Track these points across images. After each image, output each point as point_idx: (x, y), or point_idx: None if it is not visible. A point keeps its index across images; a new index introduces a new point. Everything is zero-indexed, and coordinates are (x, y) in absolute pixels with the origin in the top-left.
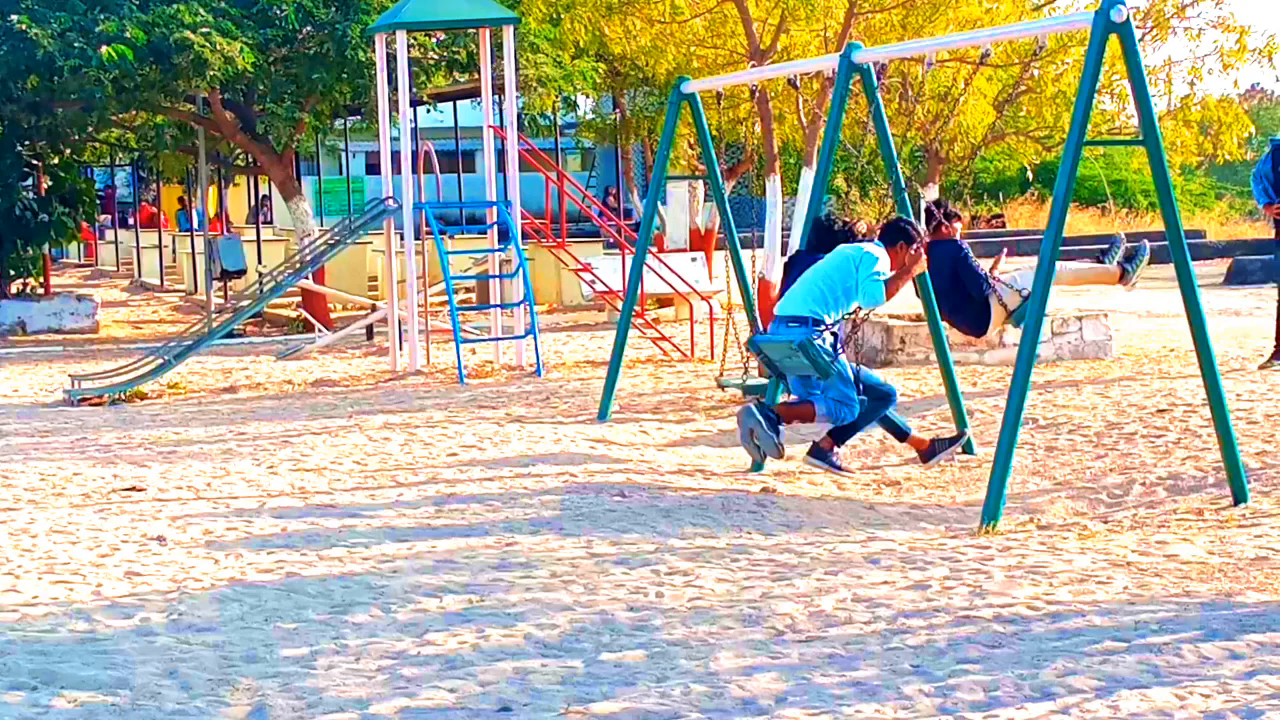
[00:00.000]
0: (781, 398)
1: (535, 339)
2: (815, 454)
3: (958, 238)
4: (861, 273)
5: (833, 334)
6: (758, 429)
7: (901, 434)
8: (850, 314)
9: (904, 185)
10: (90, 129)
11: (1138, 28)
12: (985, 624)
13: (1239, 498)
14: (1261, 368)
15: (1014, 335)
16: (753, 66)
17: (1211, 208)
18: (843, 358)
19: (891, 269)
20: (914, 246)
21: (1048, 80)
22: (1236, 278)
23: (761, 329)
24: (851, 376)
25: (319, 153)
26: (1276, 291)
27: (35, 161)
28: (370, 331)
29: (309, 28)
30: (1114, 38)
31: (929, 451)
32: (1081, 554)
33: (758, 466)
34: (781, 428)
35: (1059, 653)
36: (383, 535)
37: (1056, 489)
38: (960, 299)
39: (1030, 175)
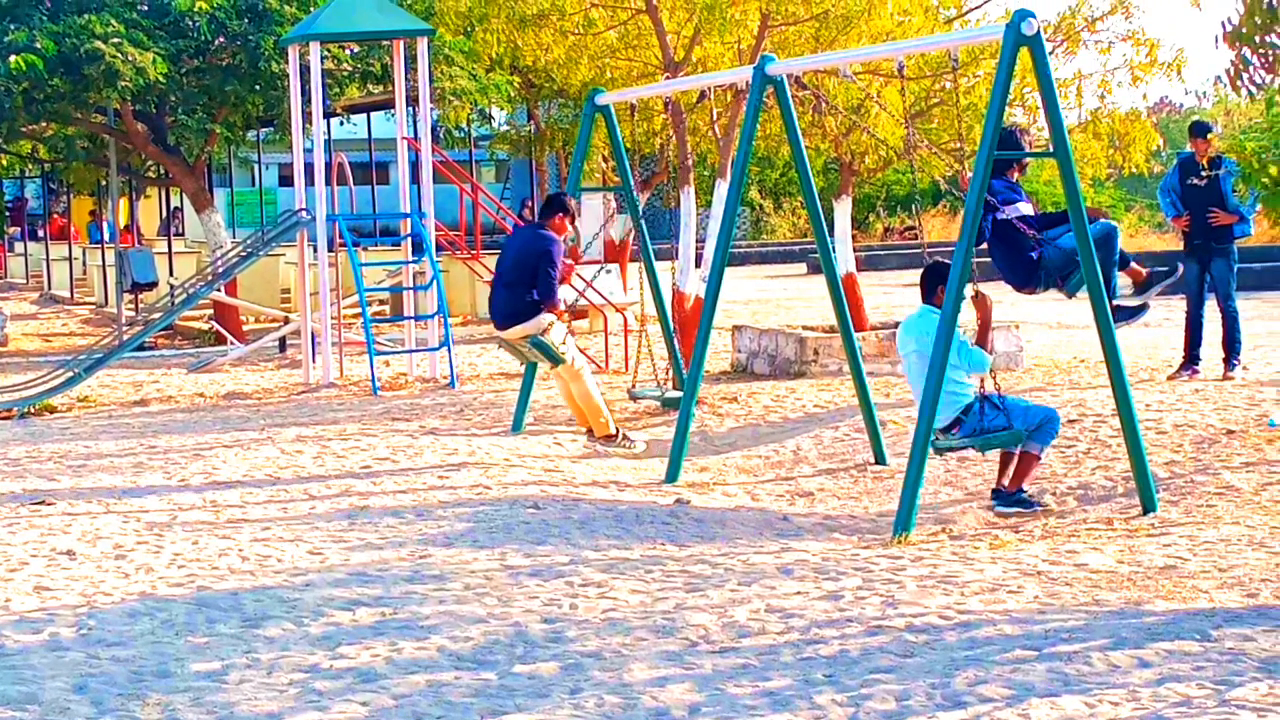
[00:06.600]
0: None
1: (449, 351)
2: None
3: (559, 237)
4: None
5: (980, 398)
6: (1019, 512)
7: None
8: (983, 375)
9: (817, 197)
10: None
11: (1048, 41)
12: (897, 634)
13: (1148, 507)
14: (1170, 378)
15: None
16: (667, 79)
17: (1121, 219)
18: (1010, 396)
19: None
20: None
21: (958, 93)
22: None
23: (677, 340)
24: (1026, 404)
25: (231, 164)
26: (1185, 303)
27: None
28: (283, 344)
29: (222, 39)
30: (1025, 50)
31: (1144, 284)
32: (993, 563)
33: (672, 477)
34: (1024, 494)
35: (970, 661)
36: (295, 548)
37: (968, 499)
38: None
39: (944, 186)
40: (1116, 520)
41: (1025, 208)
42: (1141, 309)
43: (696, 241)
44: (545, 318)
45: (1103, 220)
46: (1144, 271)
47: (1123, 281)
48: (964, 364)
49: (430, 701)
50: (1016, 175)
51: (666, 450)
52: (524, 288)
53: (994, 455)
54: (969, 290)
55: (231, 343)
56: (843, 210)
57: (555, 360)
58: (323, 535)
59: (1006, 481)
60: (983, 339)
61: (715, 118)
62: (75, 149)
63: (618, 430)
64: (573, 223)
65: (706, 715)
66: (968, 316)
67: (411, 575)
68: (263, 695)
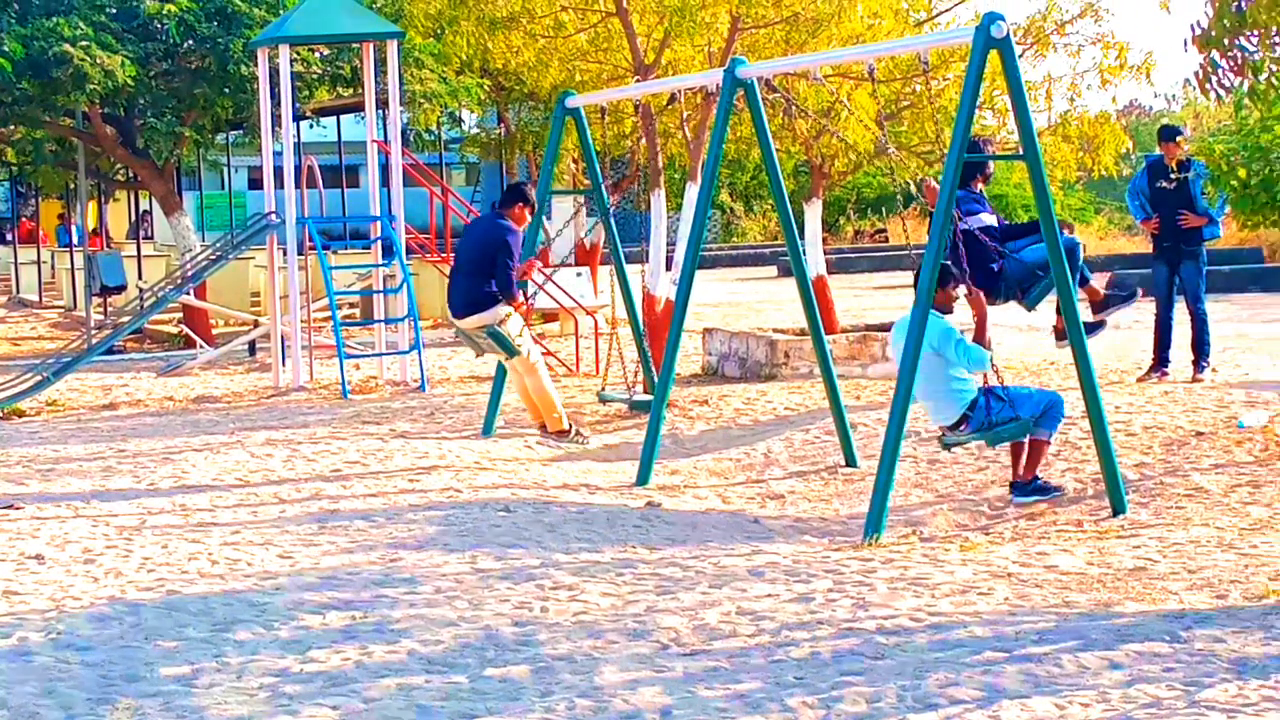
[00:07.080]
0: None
1: (419, 354)
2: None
3: (519, 227)
4: (943, 346)
5: (984, 392)
6: (1038, 502)
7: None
8: (984, 372)
9: (787, 200)
10: None
11: (1018, 44)
12: (868, 636)
13: (1118, 509)
14: (1140, 380)
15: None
16: (637, 81)
17: (1091, 222)
18: (1012, 384)
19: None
20: (951, 285)
21: (929, 95)
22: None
23: (648, 343)
24: (1029, 392)
25: (200, 167)
26: (1155, 305)
27: None
28: (253, 347)
29: (191, 42)
30: (995, 53)
31: (1101, 304)
32: (963, 565)
33: (643, 480)
34: (1040, 481)
35: (941, 664)
36: (265, 552)
37: (939, 501)
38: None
39: (914, 190)
40: (1086, 522)
41: (988, 219)
42: (1098, 326)
43: (667, 244)
44: (502, 309)
45: (1066, 235)
46: (1102, 293)
47: (1081, 296)
48: (963, 361)
49: (401, 705)
50: (980, 186)
51: (637, 453)
52: (482, 277)
53: (965, 458)
54: (962, 290)
55: (201, 346)
56: (813, 213)
57: (510, 352)
58: (293, 539)
59: (1022, 472)
60: (980, 335)
61: (685, 120)
62: (44, 152)
63: (571, 425)
64: (533, 213)
65: (677, 718)
66: (963, 317)
67: (382, 579)
68: (232, 699)
